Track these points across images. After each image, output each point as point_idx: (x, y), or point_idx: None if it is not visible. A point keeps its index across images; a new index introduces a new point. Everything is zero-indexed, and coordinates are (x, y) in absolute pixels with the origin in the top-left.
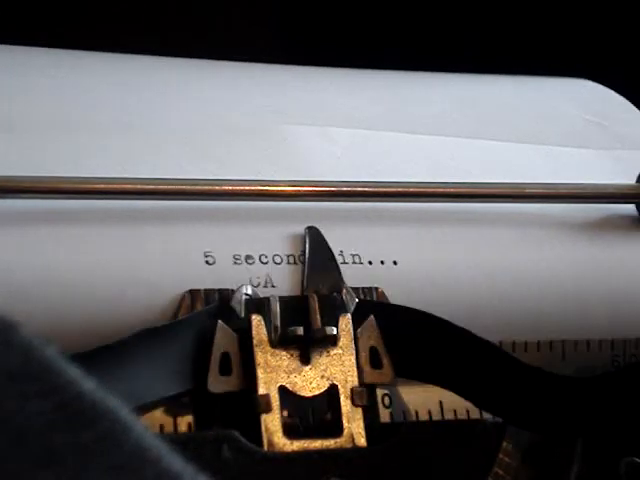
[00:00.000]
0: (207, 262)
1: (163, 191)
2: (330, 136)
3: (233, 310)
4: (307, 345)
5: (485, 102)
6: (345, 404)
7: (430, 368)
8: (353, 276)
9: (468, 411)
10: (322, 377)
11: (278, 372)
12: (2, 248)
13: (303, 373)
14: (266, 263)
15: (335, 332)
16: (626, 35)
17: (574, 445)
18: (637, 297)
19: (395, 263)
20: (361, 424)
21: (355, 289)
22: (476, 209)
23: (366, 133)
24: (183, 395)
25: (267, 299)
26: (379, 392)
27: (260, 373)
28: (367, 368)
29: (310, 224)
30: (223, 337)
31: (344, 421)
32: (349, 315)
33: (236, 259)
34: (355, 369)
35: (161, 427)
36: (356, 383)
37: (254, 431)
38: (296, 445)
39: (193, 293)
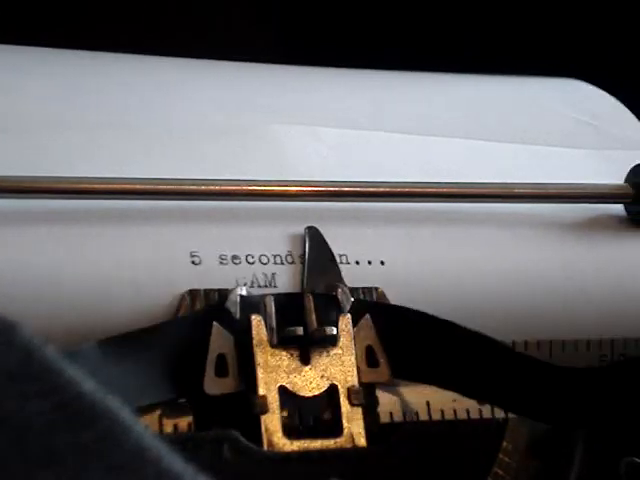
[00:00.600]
0: (193, 262)
1: (150, 191)
2: (318, 135)
3: (228, 311)
4: (307, 345)
5: (475, 102)
6: (345, 404)
7: (428, 367)
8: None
9: (468, 411)
10: (322, 377)
11: (278, 372)
12: None
13: (303, 373)
14: (253, 263)
15: (335, 332)
16: (617, 35)
17: (574, 445)
18: (626, 297)
19: (382, 263)
20: (361, 424)
21: (355, 289)
22: (466, 209)
23: (354, 133)
24: (179, 398)
25: (262, 300)
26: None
27: (260, 373)
28: (364, 367)
29: (298, 224)
30: (219, 338)
31: (344, 421)
32: (349, 315)
33: (222, 259)
34: (355, 369)
35: (161, 427)
36: (356, 383)
37: (254, 431)
38: (296, 445)
39: (193, 293)
